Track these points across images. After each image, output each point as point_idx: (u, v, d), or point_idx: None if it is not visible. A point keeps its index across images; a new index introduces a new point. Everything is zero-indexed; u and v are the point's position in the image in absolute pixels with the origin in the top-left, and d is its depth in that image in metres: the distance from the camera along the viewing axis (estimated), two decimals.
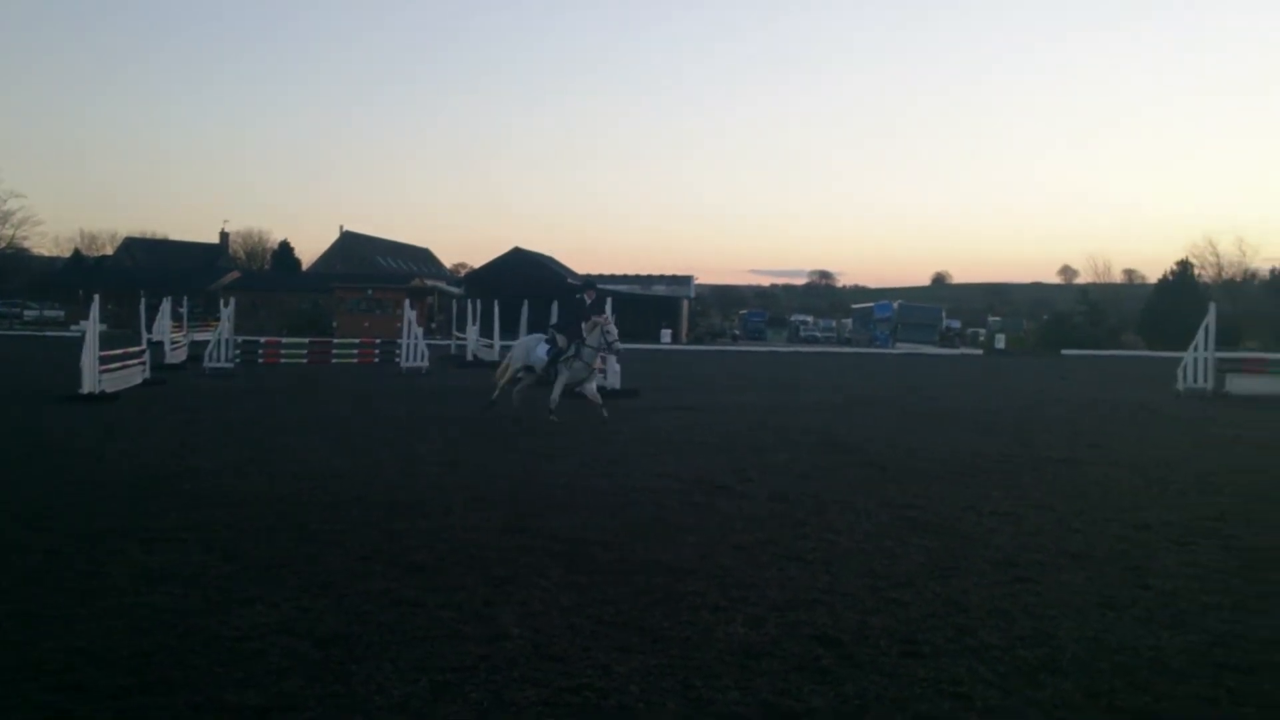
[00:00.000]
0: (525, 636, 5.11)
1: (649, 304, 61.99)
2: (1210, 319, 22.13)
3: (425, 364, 27.64)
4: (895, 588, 6.13)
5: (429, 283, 68.22)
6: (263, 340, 30.75)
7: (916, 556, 6.95)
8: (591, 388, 15.58)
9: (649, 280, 72.94)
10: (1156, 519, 8.36)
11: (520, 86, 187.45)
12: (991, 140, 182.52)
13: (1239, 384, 21.84)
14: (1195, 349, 22.18)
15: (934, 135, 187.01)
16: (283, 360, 28.40)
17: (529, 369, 15.93)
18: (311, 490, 9.18)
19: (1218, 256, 68.89)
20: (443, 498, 8.93)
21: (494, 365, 29.58)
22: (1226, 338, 37.68)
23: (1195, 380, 21.91)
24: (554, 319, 21.44)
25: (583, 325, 15.31)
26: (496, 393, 16.10)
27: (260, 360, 28.07)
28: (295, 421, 14.89)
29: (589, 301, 15.93)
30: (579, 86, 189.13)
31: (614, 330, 15.47)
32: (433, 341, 33.99)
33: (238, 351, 27.13)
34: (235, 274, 73.16)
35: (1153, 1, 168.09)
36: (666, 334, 57.43)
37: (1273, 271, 67.49)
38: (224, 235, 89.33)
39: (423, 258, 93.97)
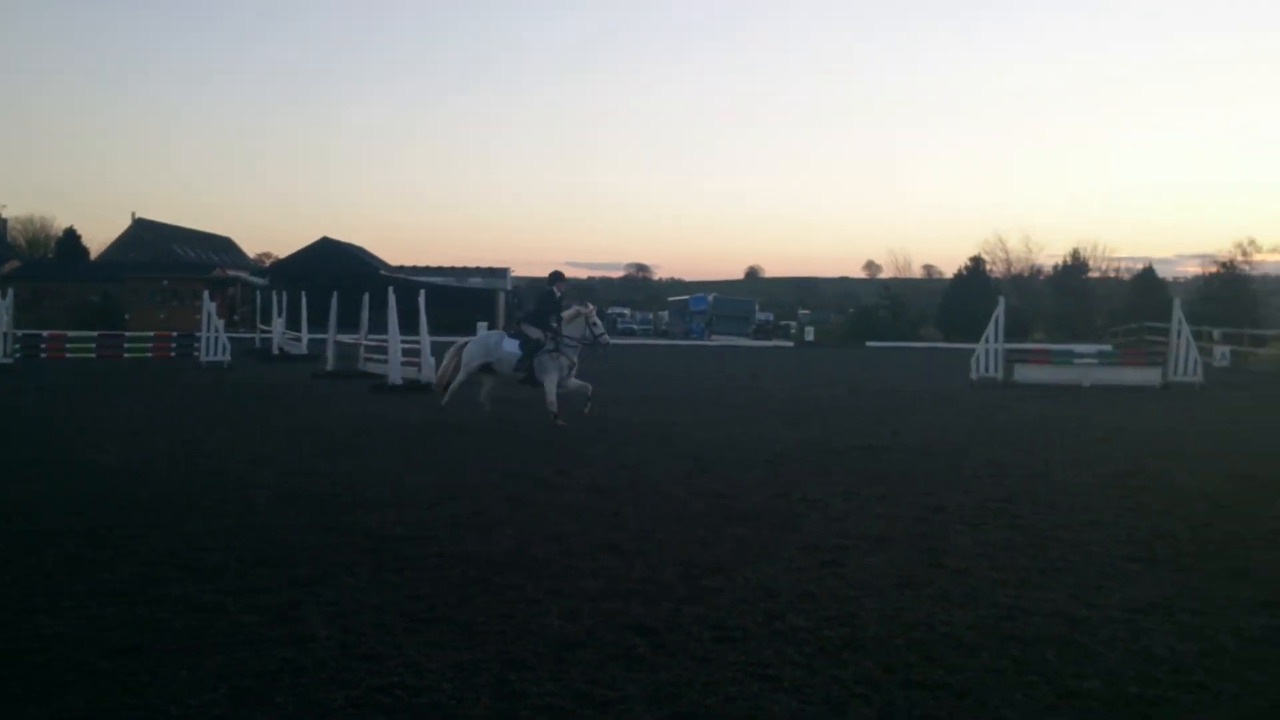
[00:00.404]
0: (334, 637, 4.96)
1: (465, 297, 61.28)
2: (999, 312, 23.51)
3: (227, 358, 26.52)
4: (708, 575, 6.25)
5: (231, 273, 65.43)
6: (45, 334, 28.84)
7: (729, 544, 7.11)
8: (576, 381, 14.21)
9: (464, 273, 71.88)
10: (951, 502, 8.81)
11: (330, 72, 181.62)
12: (803, 138, 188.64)
13: (1026, 373, 23.26)
14: (986, 340, 23.50)
15: (749, 132, 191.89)
16: (69, 355, 26.75)
17: (486, 369, 14.42)
18: (100, 492, 8.66)
19: (1007, 253, 73.16)
20: (246, 497, 8.60)
21: (303, 360, 28.92)
22: (1016, 330, 40.15)
23: (987, 370, 23.22)
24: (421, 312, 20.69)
25: (560, 317, 14.00)
26: (446, 398, 14.57)
27: (43, 355, 26.36)
28: (81, 419, 14.02)
29: (559, 294, 14.47)
30: (392, 73, 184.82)
31: (599, 322, 14.23)
32: (236, 335, 32.63)
33: (17, 346, 25.41)
34: (15, 263, 68.07)
35: (962, 4, 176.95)
36: (483, 326, 56.90)
37: (1055, 267, 72.12)
38: (1, 221, 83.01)
39: (224, 247, 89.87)
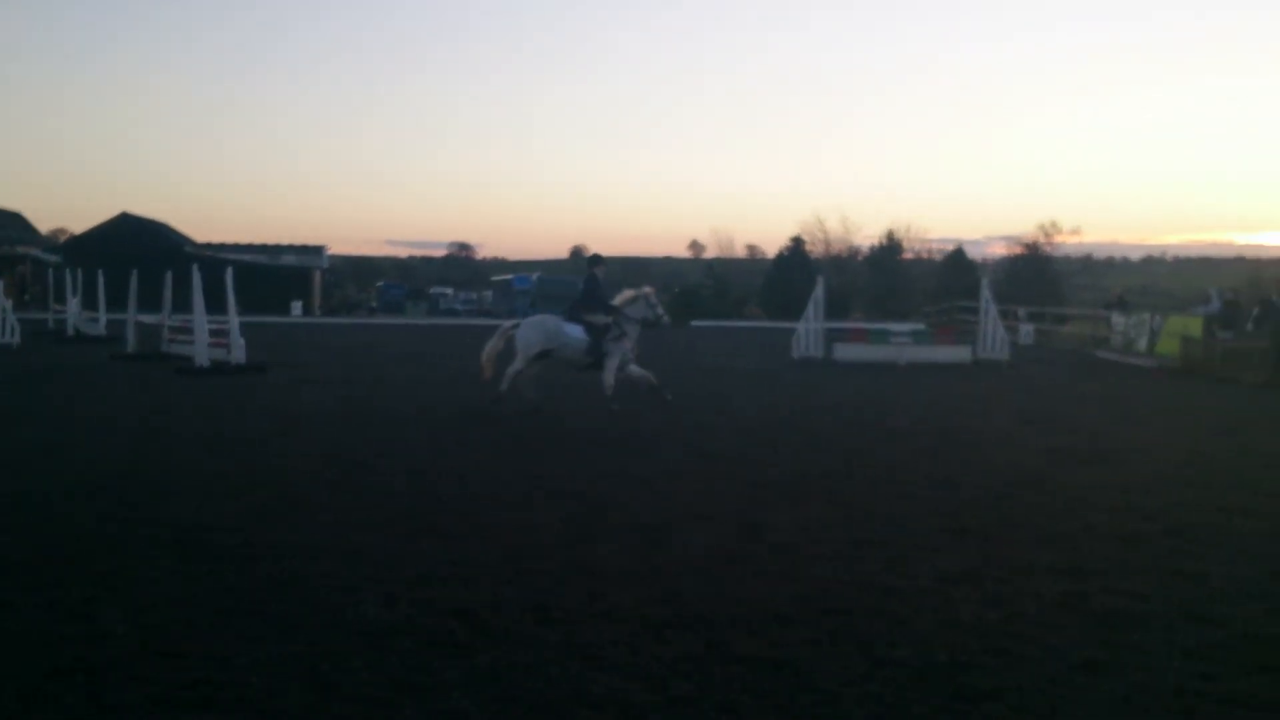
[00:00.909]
0: (131, 634, 4.69)
1: (277, 275, 59.04)
2: (818, 292, 24.17)
3: (16, 339, 24.82)
4: (530, 556, 6.18)
5: (21, 250, 61.17)
6: None
7: (553, 525, 7.06)
8: (638, 370, 13.73)
9: (277, 250, 69.21)
10: (772, 478, 8.99)
11: (131, 35, 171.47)
12: (625, 118, 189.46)
13: (845, 351, 23.98)
14: (807, 320, 24.15)
15: (572, 109, 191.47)
16: None
17: (544, 354, 13.46)
18: None
19: (826, 233, 75.28)
20: (38, 487, 8.02)
21: (100, 341, 27.30)
22: (836, 309, 41.42)
23: (807, 349, 23.85)
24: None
25: (619, 298, 13.55)
26: (505, 384, 13.30)
27: None
28: None
29: (601, 277, 14.01)
30: (196, 38, 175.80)
31: (658, 302, 13.77)
32: (26, 316, 30.52)
33: None
34: None
35: None
36: (298, 306, 55.02)
37: (872, 248, 74.75)
38: None
39: (12, 223, 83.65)
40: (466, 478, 8.78)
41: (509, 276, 76.22)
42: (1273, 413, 15.14)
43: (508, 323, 14.66)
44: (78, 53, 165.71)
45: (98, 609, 5.06)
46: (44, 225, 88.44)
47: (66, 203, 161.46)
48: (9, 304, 25.57)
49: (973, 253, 75.82)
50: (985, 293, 24.38)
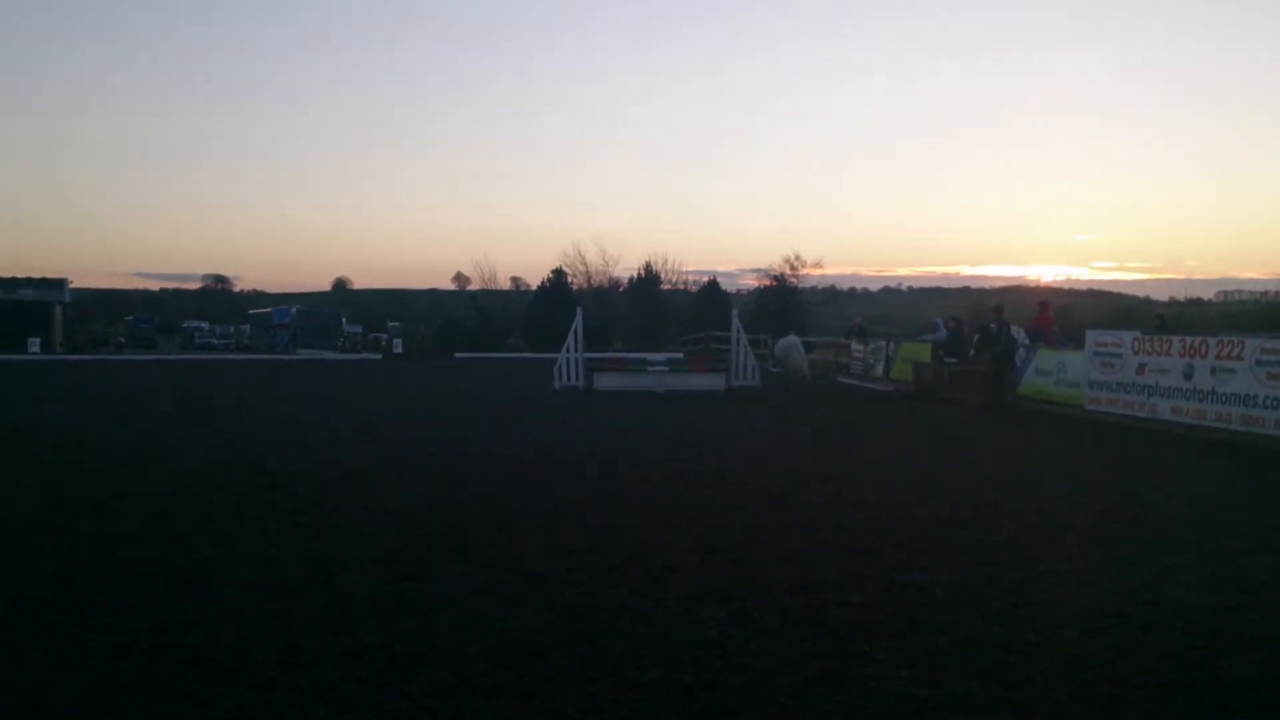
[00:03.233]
0: None
1: (12, 310, 54.56)
2: (578, 322, 24.50)
3: None
4: (278, 596, 5.99)
5: None
6: None
7: (302, 563, 6.86)
8: None
9: (13, 284, 63.94)
10: (528, 505, 9.05)
11: None
12: (386, 148, 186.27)
13: (605, 381, 24.36)
14: (567, 350, 24.40)
15: (330, 139, 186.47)
16: None
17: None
18: None
19: (586, 265, 76.37)
20: None
21: None
22: (598, 339, 42.02)
23: (568, 379, 24.09)
24: None
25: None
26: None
27: None
28: None
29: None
30: None
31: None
32: None
33: None
34: None
35: (542, 17, 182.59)
36: (35, 343, 50.91)
37: (632, 279, 76.36)
38: None
39: None
40: (212, 518, 8.40)
41: (268, 310, 73.35)
42: (992, 431, 16.48)
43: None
44: None
45: None
46: None
47: None
48: None
49: (726, 284, 78.84)
50: (736, 323, 25.40)
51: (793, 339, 27.02)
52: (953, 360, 23.12)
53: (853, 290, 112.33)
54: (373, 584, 6.30)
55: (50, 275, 67.03)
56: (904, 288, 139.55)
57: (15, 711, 4.22)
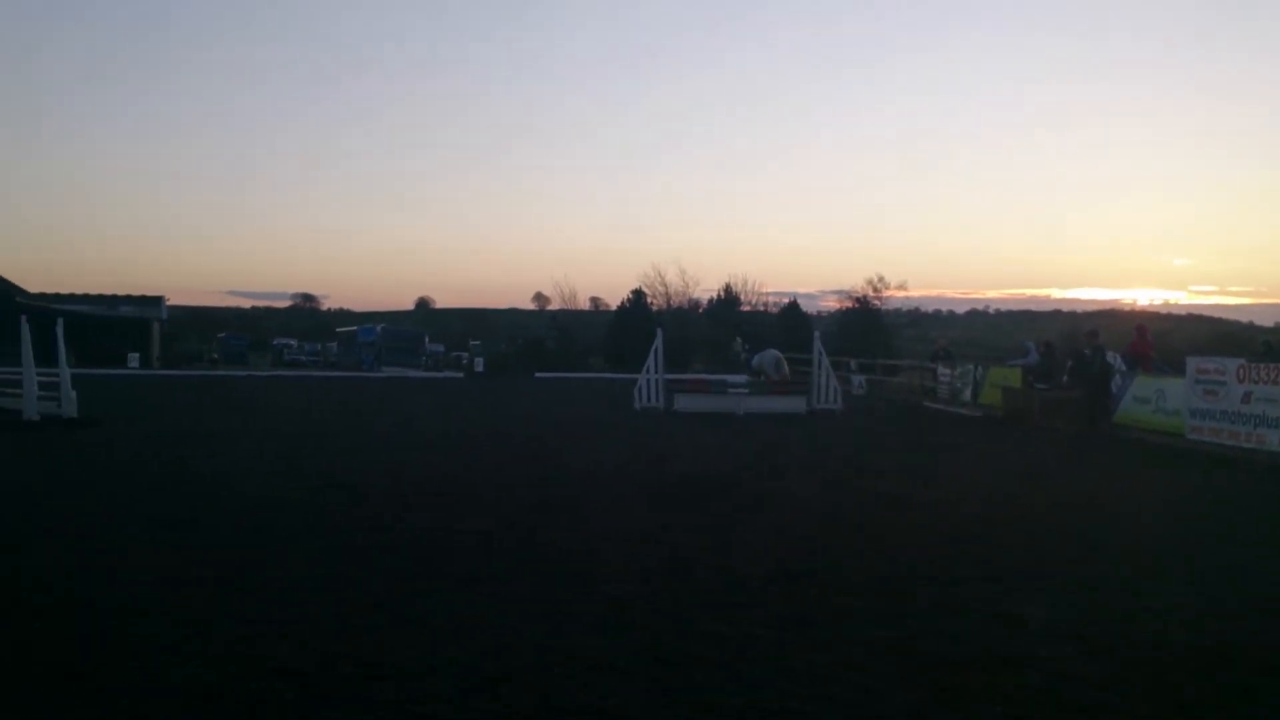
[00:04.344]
0: None
1: (114, 326, 56.51)
2: (658, 343, 24.51)
3: None
4: (362, 611, 6.06)
5: None
6: None
7: (385, 578, 6.94)
8: None
9: (114, 301, 66.38)
10: (609, 528, 9.03)
11: None
12: (469, 170, 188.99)
13: (685, 402, 24.32)
14: (648, 371, 24.41)
15: (416, 161, 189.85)
16: None
17: None
18: None
19: (666, 286, 76.52)
20: None
21: None
22: (677, 360, 41.97)
23: (649, 399, 24.09)
24: None
25: None
26: None
27: None
28: None
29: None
30: (27, 84, 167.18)
31: None
32: None
33: None
34: None
35: (614, 39, 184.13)
36: (135, 359, 52.64)
37: (711, 300, 76.25)
38: None
39: None
40: (295, 533, 8.55)
41: (354, 328, 74.79)
42: (1085, 460, 16.03)
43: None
44: None
45: None
46: None
47: None
48: None
49: (807, 306, 78.26)
50: (818, 345, 25.15)
51: (774, 353, 27.73)
52: (1044, 386, 22.59)
53: (937, 312, 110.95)
54: (454, 601, 6.34)
55: (149, 293, 69.41)
56: (991, 310, 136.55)
57: (115, 715, 4.31)
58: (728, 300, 74.18)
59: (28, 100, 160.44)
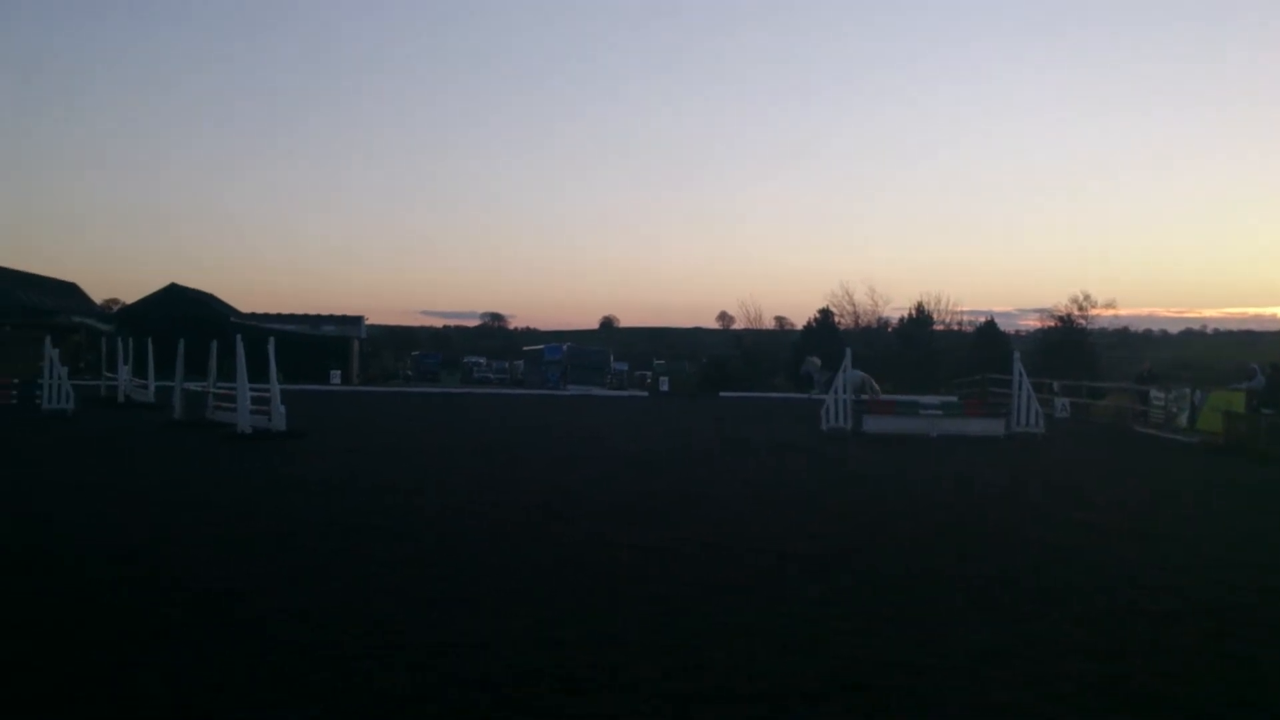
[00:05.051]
0: (166, 698, 4.76)
1: (318, 344, 59.87)
2: (847, 363, 24.15)
3: (70, 405, 25.27)
4: (555, 625, 6.18)
5: (75, 319, 62.44)
6: None
7: (576, 594, 7.05)
8: None
9: (317, 320, 70.35)
10: (797, 550, 8.91)
11: (170, 106, 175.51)
12: (655, 190, 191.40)
13: (874, 423, 23.86)
14: (835, 391, 24.07)
15: (603, 182, 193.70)
16: None
17: None
18: None
19: (854, 305, 75.28)
20: (73, 550, 8.20)
21: (149, 408, 27.80)
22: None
23: (836, 420, 23.74)
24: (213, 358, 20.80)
25: None
26: None
27: None
28: None
29: None
30: (237, 109, 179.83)
31: None
32: (80, 381, 31.09)
33: None
34: None
35: (808, 60, 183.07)
36: (337, 375, 55.60)
37: (902, 320, 74.57)
38: None
39: (68, 293, 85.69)
40: (485, 545, 8.80)
41: (540, 346, 76.74)
42: None
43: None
44: (127, 135, 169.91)
45: (133, 672, 5.13)
46: (98, 295, 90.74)
47: (119, 274, 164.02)
48: (65, 371, 26.07)
49: (1004, 325, 75.52)
50: (1018, 365, 24.16)
51: (860, 374, 28.84)
52: (1270, 411, 21.07)
53: (1148, 332, 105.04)
54: (644, 619, 6.38)
55: (349, 313, 73.14)
56: (1209, 330, 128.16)
57: (327, 707, 4.53)
58: (919, 319, 72.41)
59: (241, 134, 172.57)
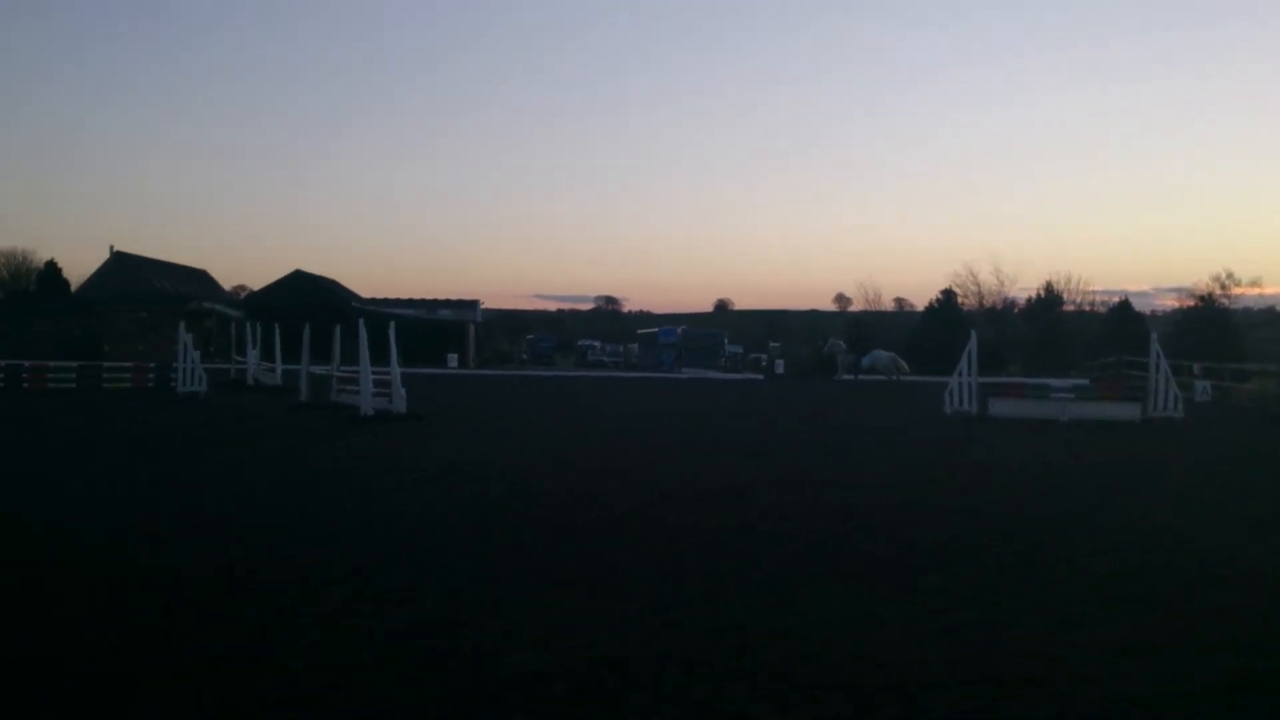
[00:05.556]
0: (303, 668, 4.95)
1: (435, 328, 61.13)
2: (972, 345, 23.50)
3: (203, 388, 26.45)
4: (673, 609, 6.17)
5: (207, 305, 65.10)
6: (27, 365, 28.65)
7: (694, 577, 7.02)
8: None
9: (434, 305, 71.81)
10: (923, 537, 8.71)
11: (295, 104, 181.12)
12: (770, 172, 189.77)
13: (1000, 407, 23.22)
14: (960, 374, 23.49)
15: (718, 165, 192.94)
16: (50, 385, 27.02)
17: None
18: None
19: (979, 285, 73.41)
20: (217, 529, 8.50)
21: (276, 390, 28.85)
22: (990, 362, 40.18)
23: (960, 404, 23.19)
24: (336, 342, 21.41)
25: None
26: None
27: (25, 385, 26.47)
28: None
29: None
30: (357, 104, 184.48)
31: None
32: (212, 365, 32.45)
33: (0, 376, 25.43)
34: None
35: (927, 38, 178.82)
36: (453, 359, 56.68)
37: (1029, 300, 72.42)
38: None
39: (200, 279, 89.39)
40: (610, 527, 8.85)
41: (654, 330, 76.82)
42: None
43: None
44: (255, 130, 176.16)
45: (274, 643, 5.34)
46: (227, 282, 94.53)
47: (246, 261, 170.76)
48: (197, 355, 27.25)
49: (1140, 305, 72.72)
50: (1155, 347, 23.13)
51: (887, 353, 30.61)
52: None
53: None
54: (763, 605, 6.33)
55: (465, 297, 74.46)
56: None
57: (456, 695, 4.62)
58: (1048, 299, 70.21)
59: (360, 127, 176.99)
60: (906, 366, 26.66)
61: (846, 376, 44.02)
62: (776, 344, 73.12)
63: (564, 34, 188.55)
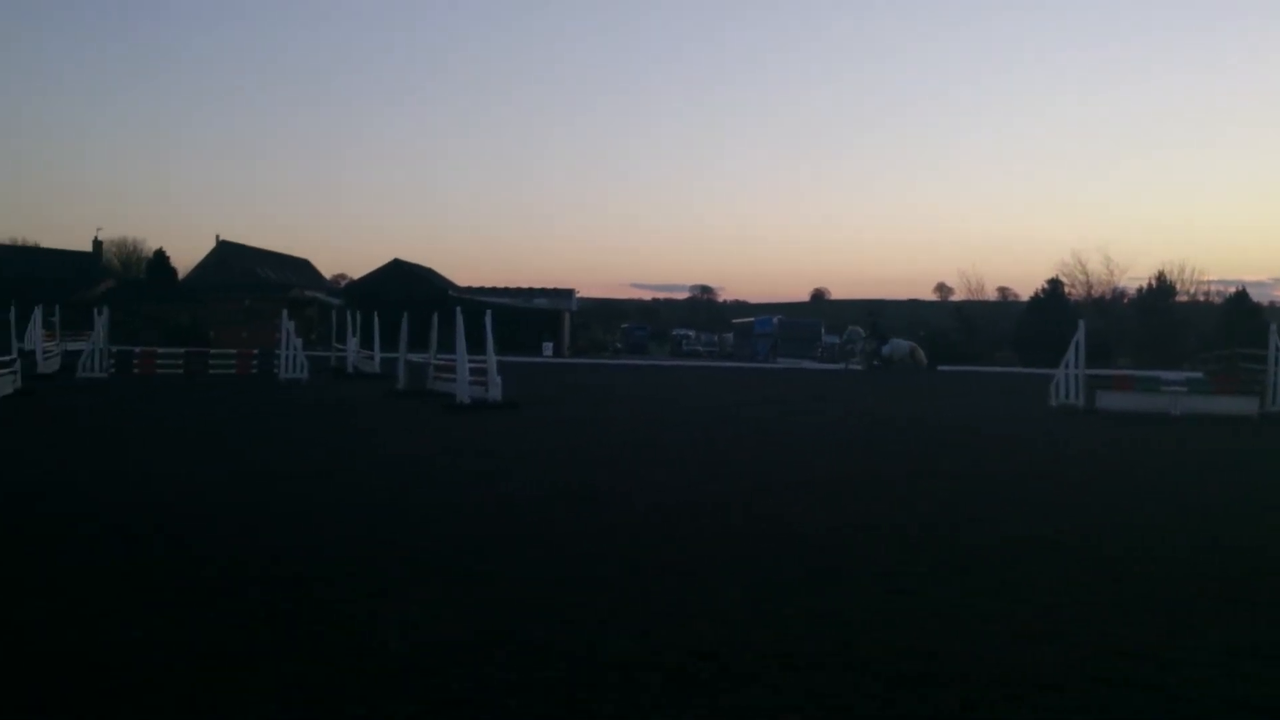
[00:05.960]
0: (402, 648, 4.97)
1: (531, 317, 61.79)
2: (1080, 336, 22.83)
3: (305, 375, 27.15)
4: (773, 599, 6.08)
5: (308, 293, 66.90)
6: (137, 351, 29.75)
7: (794, 568, 6.93)
8: None
9: (530, 294, 72.60)
10: (1031, 532, 8.47)
11: (390, 94, 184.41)
12: (868, 160, 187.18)
13: (1109, 400, 22.56)
14: (1066, 365, 22.86)
15: (813, 154, 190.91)
16: (159, 371, 27.88)
17: None
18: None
19: (1087, 275, 71.41)
20: (314, 510, 8.64)
21: (375, 378, 29.52)
22: (1098, 354, 39.03)
23: (1067, 396, 22.58)
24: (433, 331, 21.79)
25: None
26: None
27: (135, 371, 27.40)
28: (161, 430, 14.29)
29: None
30: (448, 94, 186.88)
31: None
32: (312, 353, 33.29)
33: (112, 362, 26.40)
34: (110, 283, 70.25)
35: (1040, 25, 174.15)
36: (549, 347, 57.21)
37: (1140, 290, 70.19)
38: (97, 243, 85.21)
39: (301, 268, 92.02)
40: (704, 518, 8.79)
41: (750, 319, 76.32)
42: None
43: None
44: (357, 122, 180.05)
45: (375, 622, 5.41)
46: (328, 271, 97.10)
47: (346, 250, 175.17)
48: (299, 343, 27.98)
49: (1257, 295, 69.86)
50: (1274, 339, 22.18)
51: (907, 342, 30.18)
52: None
53: None
54: (868, 598, 6.19)
55: (561, 286, 75.07)
56: None
57: (558, 678, 4.59)
58: (1160, 289, 67.93)
59: (454, 119, 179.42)
60: (924, 357, 25.99)
61: (857, 367, 43.12)
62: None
63: (656, 22, 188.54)
